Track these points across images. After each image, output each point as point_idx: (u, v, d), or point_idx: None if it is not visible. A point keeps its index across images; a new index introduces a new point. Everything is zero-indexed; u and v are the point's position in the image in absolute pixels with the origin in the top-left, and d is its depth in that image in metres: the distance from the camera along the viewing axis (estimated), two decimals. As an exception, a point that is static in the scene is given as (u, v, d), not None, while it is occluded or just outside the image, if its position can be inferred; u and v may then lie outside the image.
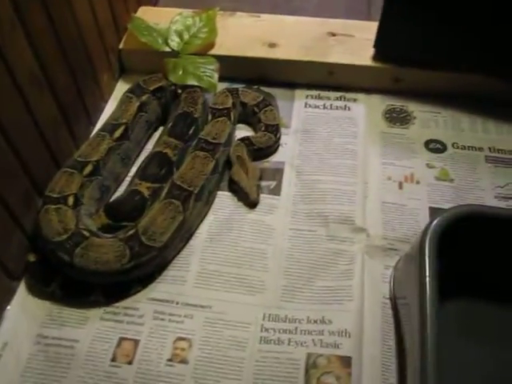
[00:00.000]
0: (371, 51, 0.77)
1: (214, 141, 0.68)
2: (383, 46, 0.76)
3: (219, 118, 0.72)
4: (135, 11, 0.86)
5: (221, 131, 0.70)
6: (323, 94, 0.80)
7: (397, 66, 0.77)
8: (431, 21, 0.71)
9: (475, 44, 0.71)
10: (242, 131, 0.75)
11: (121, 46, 0.81)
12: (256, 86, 0.80)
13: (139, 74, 0.78)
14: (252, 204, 0.67)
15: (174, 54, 0.78)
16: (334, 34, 0.81)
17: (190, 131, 0.70)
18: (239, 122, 0.76)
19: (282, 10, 0.91)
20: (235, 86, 0.79)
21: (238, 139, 0.72)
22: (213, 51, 0.79)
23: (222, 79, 0.78)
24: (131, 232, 0.59)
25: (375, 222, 0.66)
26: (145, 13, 0.86)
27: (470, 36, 0.70)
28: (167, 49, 0.78)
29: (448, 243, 0.53)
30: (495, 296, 0.59)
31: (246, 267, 0.62)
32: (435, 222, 0.53)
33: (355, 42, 0.79)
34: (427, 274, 0.50)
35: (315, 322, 0.58)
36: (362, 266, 0.62)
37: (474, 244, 0.56)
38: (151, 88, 0.74)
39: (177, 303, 0.59)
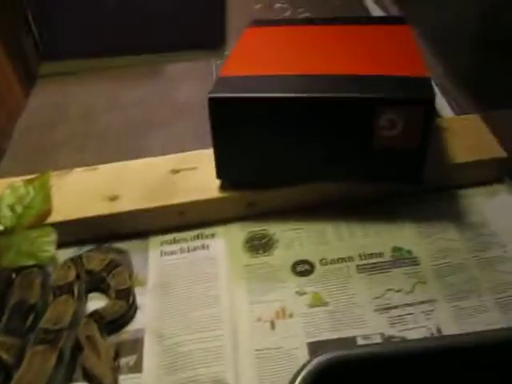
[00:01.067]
0: (217, 181, 0.73)
1: (55, 327, 0.60)
2: (225, 175, 0.72)
3: (61, 297, 0.63)
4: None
5: (63, 313, 0.61)
6: (178, 236, 0.73)
7: (246, 191, 0.72)
8: (260, 144, 0.68)
9: (310, 157, 0.68)
10: (96, 302, 0.67)
11: None
12: (107, 244, 0.73)
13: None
14: (109, 392, 0.58)
15: (8, 232, 0.71)
16: (177, 171, 0.76)
17: (28, 322, 0.61)
18: (90, 291, 0.68)
19: (128, 152, 0.87)
20: (84, 249, 0.72)
21: (86, 315, 0.64)
22: (50, 219, 0.72)
23: (67, 245, 0.72)
24: None
25: (250, 376, 0.58)
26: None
27: (301, 151, 0.68)
28: (-1, 228, 0.71)
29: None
30: None
31: None
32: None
33: (200, 175, 0.75)
34: None
35: None
36: None
37: None
38: (-19, 280, 0.66)
39: None
